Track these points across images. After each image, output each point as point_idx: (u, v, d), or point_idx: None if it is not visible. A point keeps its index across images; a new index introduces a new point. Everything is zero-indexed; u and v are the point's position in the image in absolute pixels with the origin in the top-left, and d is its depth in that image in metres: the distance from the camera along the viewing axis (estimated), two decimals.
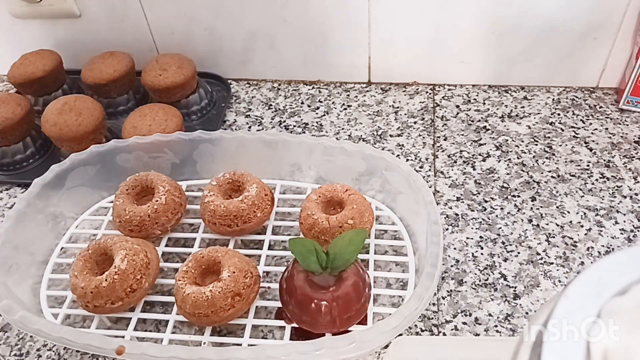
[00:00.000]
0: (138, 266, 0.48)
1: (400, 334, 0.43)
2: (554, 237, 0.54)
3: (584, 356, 0.21)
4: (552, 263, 0.52)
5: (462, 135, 0.66)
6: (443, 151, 0.65)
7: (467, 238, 0.55)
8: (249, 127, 0.71)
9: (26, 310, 0.45)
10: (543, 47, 0.68)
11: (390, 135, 0.67)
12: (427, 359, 0.44)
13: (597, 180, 0.60)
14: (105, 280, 0.46)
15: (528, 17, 0.65)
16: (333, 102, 0.73)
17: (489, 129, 0.67)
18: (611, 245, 0.53)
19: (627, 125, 0.66)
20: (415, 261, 0.51)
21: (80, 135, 0.63)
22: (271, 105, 0.74)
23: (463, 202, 0.59)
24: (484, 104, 0.71)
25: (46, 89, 0.73)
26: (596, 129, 0.66)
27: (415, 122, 0.69)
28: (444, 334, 0.48)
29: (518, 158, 0.63)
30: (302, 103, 0.73)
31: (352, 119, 0.70)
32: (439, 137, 0.66)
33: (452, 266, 0.53)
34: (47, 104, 0.65)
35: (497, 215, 0.57)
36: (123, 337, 0.47)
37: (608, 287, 0.23)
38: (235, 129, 0.71)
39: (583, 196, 0.58)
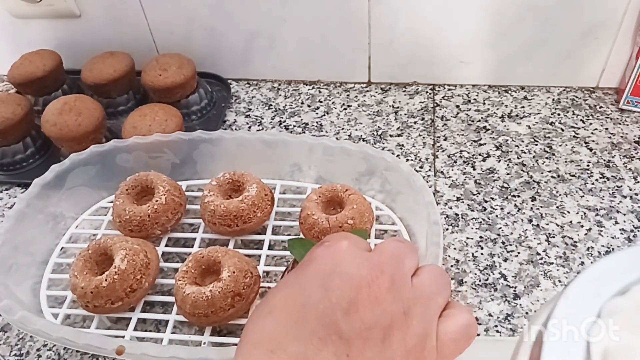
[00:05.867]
0: (138, 266, 0.48)
1: None
2: (554, 237, 0.54)
3: (584, 356, 0.21)
4: (552, 263, 0.52)
5: (462, 135, 0.66)
6: (443, 151, 0.65)
7: (467, 238, 0.55)
8: (249, 127, 0.71)
9: (26, 310, 0.45)
10: (543, 47, 0.68)
11: (390, 135, 0.67)
12: None
13: (597, 180, 0.60)
14: (105, 280, 0.46)
15: (528, 17, 0.65)
16: (333, 102, 0.73)
17: (489, 129, 0.67)
18: (611, 245, 0.53)
19: (627, 125, 0.66)
20: None
21: (80, 135, 0.63)
22: (271, 105, 0.74)
23: (463, 202, 0.59)
24: (484, 104, 0.71)
25: (46, 89, 0.72)
26: (596, 129, 0.66)
27: (415, 122, 0.69)
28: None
29: (518, 158, 0.63)
30: (302, 103, 0.73)
31: (352, 119, 0.70)
32: (439, 137, 0.66)
33: (452, 266, 0.53)
34: (47, 104, 0.65)
35: (497, 215, 0.57)
36: (123, 337, 0.47)
37: (608, 287, 0.24)
38: (235, 129, 0.71)
39: (583, 196, 0.58)
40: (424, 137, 0.66)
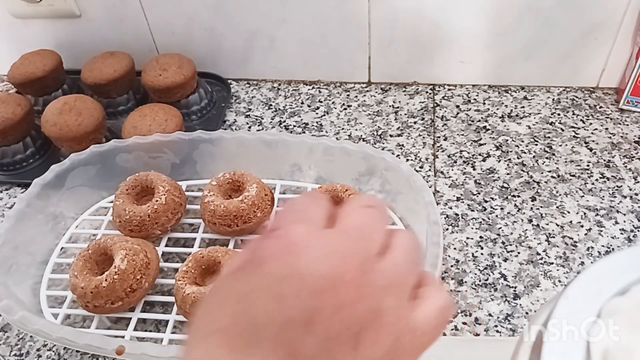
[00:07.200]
0: (138, 266, 0.48)
1: None
2: (554, 237, 0.54)
3: (584, 356, 0.21)
4: (552, 263, 0.52)
5: (462, 135, 0.66)
6: (443, 151, 0.65)
7: (467, 238, 0.55)
8: (249, 127, 0.71)
9: (26, 310, 0.45)
10: (543, 46, 0.68)
11: (390, 135, 0.67)
12: (428, 359, 0.44)
13: (597, 180, 0.60)
14: (105, 280, 0.46)
15: (528, 17, 0.65)
16: (333, 102, 0.73)
17: (489, 129, 0.67)
18: (611, 245, 0.53)
19: (627, 125, 0.66)
20: None
21: (80, 135, 0.63)
22: (271, 105, 0.74)
23: (463, 202, 0.59)
24: (484, 104, 0.71)
25: (46, 89, 0.72)
26: (596, 129, 0.66)
27: (415, 122, 0.69)
28: (444, 334, 0.48)
29: (518, 158, 0.63)
30: (302, 103, 0.73)
31: (352, 119, 0.70)
32: (439, 137, 0.66)
33: (452, 266, 0.53)
34: (47, 104, 0.65)
35: (497, 215, 0.57)
36: (123, 337, 0.47)
37: (608, 287, 0.24)
38: (235, 129, 0.71)
39: (583, 196, 0.58)
40: (424, 137, 0.66)
